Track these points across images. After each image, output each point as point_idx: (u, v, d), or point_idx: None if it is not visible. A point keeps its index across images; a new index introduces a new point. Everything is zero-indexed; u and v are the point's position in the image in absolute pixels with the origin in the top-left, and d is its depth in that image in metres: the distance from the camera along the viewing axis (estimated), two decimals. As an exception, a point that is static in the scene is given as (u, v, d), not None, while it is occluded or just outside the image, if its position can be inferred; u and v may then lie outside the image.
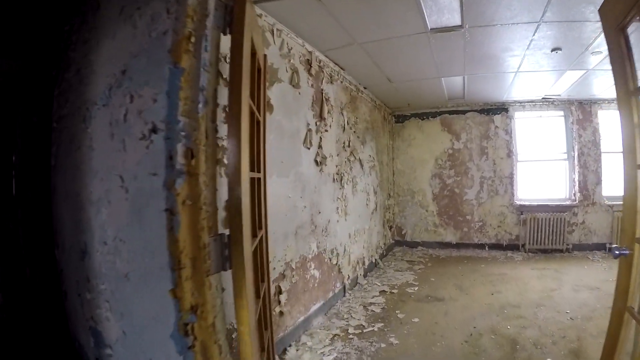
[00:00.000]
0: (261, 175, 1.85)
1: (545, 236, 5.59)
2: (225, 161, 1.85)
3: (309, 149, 3.14)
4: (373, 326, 3.10)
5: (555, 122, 5.88)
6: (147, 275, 1.14)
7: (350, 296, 3.94)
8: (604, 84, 4.78)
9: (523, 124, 6.01)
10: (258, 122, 1.82)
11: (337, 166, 3.83)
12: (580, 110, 5.66)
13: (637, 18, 1.25)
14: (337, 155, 3.86)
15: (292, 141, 2.86)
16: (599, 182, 5.58)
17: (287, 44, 2.83)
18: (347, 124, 4.18)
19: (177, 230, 1.11)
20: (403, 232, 6.49)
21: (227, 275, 1.23)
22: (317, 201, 3.31)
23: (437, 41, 3.18)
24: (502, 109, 5.94)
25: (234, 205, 1.16)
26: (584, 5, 2.48)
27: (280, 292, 2.60)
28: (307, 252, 3.07)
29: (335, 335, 2.96)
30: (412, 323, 3.15)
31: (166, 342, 1.09)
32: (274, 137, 2.55)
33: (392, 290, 4.06)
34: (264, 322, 1.89)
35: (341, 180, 3.93)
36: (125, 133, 1.17)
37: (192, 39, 1.13)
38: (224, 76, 1.83)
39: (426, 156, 6.33)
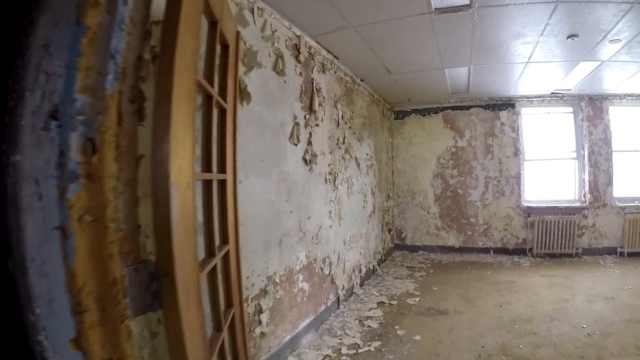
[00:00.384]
0: (228, 176, 1.49)
1: (554, 240, 5.28)
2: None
3: (296, 145, 2.78)
4: (369, 345, 2.76)
5: (564, 119, 5.58)
6: (47, 319, 0.80)
7: (345, 308, 3.58)
8: (616, 78, 4.49)
9: (530, 120, 5.68)
10: (223, 111, 1.47)
11: (329, 165, 3.46)
12: (591, 106, 5.38)
13: None
14: (330, 153, 3.49)
15: (276, 136, 2.49)
16: (610, 182, 5.31)
17: (271, 25, 2.47)
18: (342, 118, 3.81)
19: (73, 259, 0.76)
20: (403, 236, 6.14)
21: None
22: (306, 205, 2.94)
23: (442, 24, 2.83)
24: (508, 104, 5.60)
25: (159, 221, 0.80)
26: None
27: (260, 311, 2.24)
28: (294, 263, 2.70)
29: (326, 356, 2.62)
30: (413, 341, 2.80)
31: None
32: (252, 131, 2.18)
33: (391, 302, 3.71)
34: (234, 356, 1.53)
35: (335, 180, 3.56)
36: (39, 123, 0.84)
37: (100, -16, 0.78)
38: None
39: (427, 155, 5.98)
